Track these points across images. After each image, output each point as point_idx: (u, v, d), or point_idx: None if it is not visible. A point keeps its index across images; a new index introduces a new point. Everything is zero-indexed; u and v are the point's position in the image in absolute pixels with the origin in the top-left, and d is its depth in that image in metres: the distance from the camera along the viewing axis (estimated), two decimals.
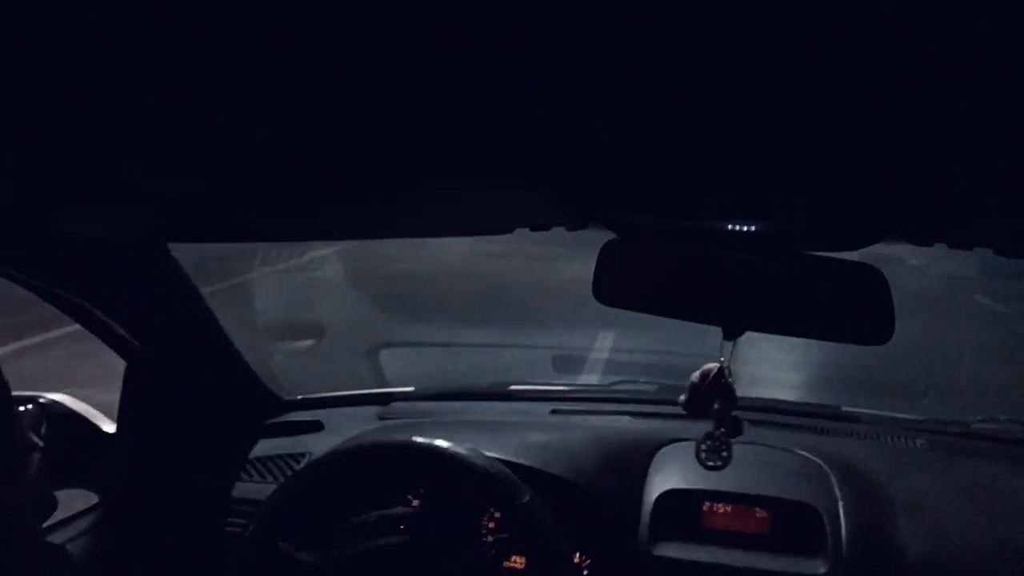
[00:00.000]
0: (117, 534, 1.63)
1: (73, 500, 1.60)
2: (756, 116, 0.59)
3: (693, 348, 1.50)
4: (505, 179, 0.94)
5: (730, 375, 1.45)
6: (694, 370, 1.46)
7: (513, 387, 2.07)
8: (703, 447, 1.53)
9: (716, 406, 1.44)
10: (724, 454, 1.49)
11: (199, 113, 0.57)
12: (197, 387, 1.69)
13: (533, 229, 1.35)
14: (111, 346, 1.56)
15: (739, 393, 1.56)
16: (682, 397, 1.48)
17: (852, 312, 1.16)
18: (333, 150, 0.73)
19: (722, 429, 1.48)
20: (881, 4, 0.39)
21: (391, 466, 1.56)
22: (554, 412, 1.89)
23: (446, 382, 2.80)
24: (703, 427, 1.46)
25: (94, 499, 1.64)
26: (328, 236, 1.48)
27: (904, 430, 1.79)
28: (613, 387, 2.07)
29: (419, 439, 1.50)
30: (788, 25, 0.42)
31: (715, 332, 1.35)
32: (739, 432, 1.47)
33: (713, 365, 1.46)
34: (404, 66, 0.48)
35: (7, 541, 0.83)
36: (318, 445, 1.77)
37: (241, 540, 1.42)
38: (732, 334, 1.30)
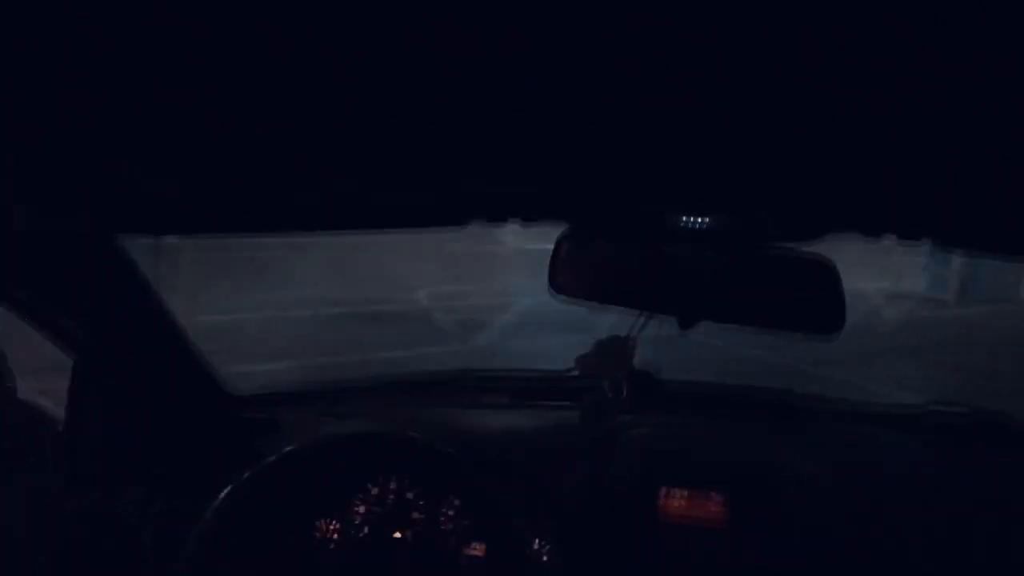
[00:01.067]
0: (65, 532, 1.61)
1: None
2: (710, 112, 0.61)
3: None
4: (462, 173, 0.94)
5: (634, 347, 1.47)
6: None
7: (472, 375, 2.08)
8: (586, 410, 1.56)
9: (609, 377, 1.47)
10: (603, 421, 1.52)
11: (161, 103, 0.56)
12: (149, 382, 1.66)
13: (489, 221, 1.36)
14: (60, 341, 1.53)
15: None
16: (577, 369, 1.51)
17: (804, 302, 1.19)
18: (296, 143, 0.73)
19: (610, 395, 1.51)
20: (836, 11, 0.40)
21: (348, 457, 1.56)
22: (513, 400, 1.90)
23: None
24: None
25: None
26: (285, 229, 1.47)
27: (859, 416, 1.83)
28: (571, 373, 2.09)
29: (377, 429, 1.50)
30: (746, 28, 0.43)
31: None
32: (621, 400, 1.50)
33: (619, 336, 1.48)
34: (374, 68, 0.49)
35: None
36: (272, 442, 1.75)
37: (189, 541, 1.41)
38: (686, 324, 1.32)
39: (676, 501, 1.50)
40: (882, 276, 12.70)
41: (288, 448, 1.48)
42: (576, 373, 2.04)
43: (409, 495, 1.57)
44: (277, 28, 0.42)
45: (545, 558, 1.54)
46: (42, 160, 0.76)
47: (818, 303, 1.17)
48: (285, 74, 0.51)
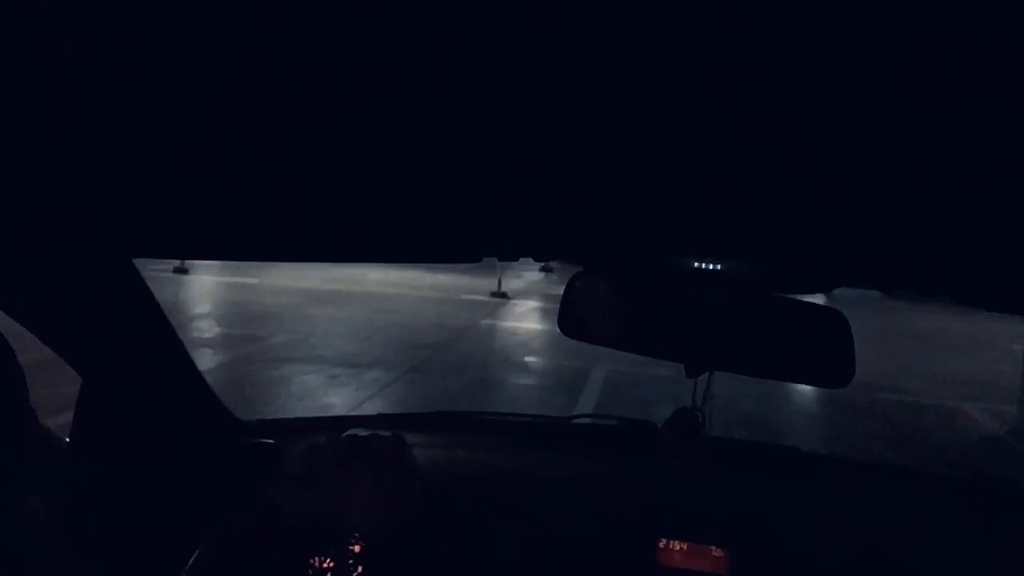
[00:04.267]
0: (68, 552, 1.59)
1: None
2: (726, 159, 0.60)
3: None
4: (475, 208, 0.94)
5: (701, 417, 1.46)
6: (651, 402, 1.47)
7: (474, 415, 2.06)
8: (670, 485, 1.54)
9: (686, 450, 1.46)
10: (690, 490, 1.50)
11: (176, 127, 0.57)
12: (155, 406, 1.66)
13: (501, 259, 1.36)
14: (67, 360, 1.53)
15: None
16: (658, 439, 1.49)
17: (813, 354, 1.17)
18: (312, 171, 0.73)
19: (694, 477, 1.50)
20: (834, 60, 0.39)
21: None
22: (515, 442, 1.88)
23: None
24: (661, 462, 1.46)
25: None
26: (300, 258, 1.47)
27: (859, 472, 1.80)
28: (574, 419, 2.07)
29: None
30: (763, 77, 0.42)
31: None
32: (703, 472, 1.48)
33: (686, 407, 1.47)
34: (382, 92, 0.49)
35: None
36: (274, 470, 1.74)
37: (188, 567, 1.40)
38: (693, 372, 1.30)
39: (675, 554, 1.46)
40: None
41: (284, 479, 1.47)
42: (582, 418, 2.02)
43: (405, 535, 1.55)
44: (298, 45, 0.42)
45: None
46: (57, 180, 0.76)
47: (827, 355, 1.16)
48: (310, 97, 0.51)
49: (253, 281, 14.04)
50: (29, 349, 1.28)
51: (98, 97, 0.49)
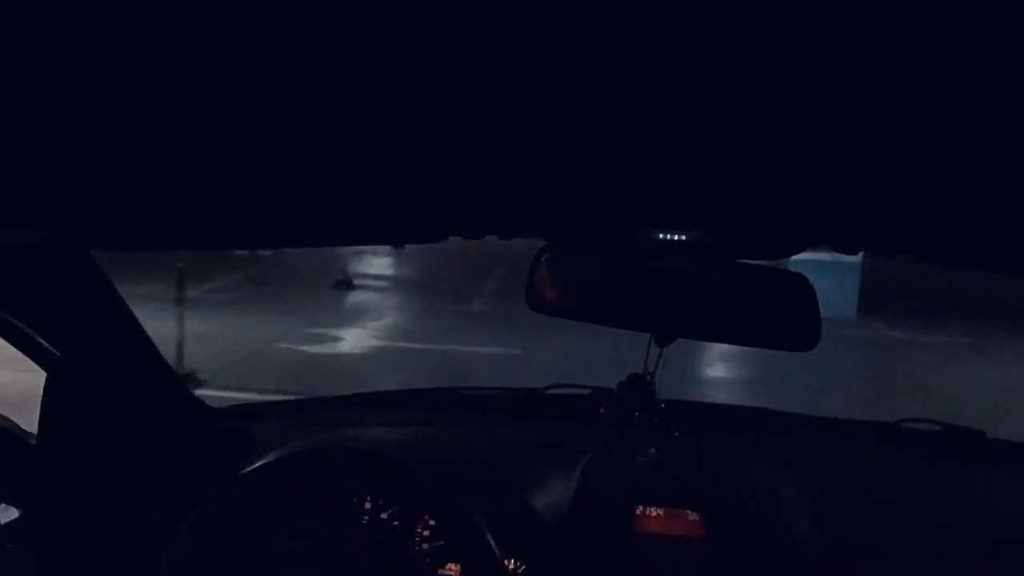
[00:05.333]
0: (39, 549, 1.58)
1: None
2: (686, 130, 0.60)
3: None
4: (438, 186, 0.94)
5: (655, 384, 1.47)
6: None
7: (448, 390, 2.07)
8: (636, 459, 1.55)
9: (637, 415, 1.47)
10: (651, 462, 1.52)
11: (129, 111, 0.56)
12: (122, 397, 1.65)
13: (465, 237, 1.35)
14: (30, 356, 1.51)
15: (671, 396, 1.58)
16: (602, 410, 1.50)
17: (780, 319, 1.19)
18: (268, 153, 0.72)
19: (649, 442, 1.51)
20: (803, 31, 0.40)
21: (322, 473, 1.55)
22: (489, 416, 1.89)
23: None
24: (635, 432, 1.47)
25: (15, 513, 1.59)
26: (262, 244, 1.46)
27: (831, 430, 1.83)
28: (549, 390, 2.08)
29: (352, 444, 1.48)
30: (720, 49, 0.42)
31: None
32: (667, 441, 1.49)
33: (637, 374, 1.48)
34: (351, 79, 0.49)
35: None
36: (248, 456, 1.74)
37: (166, 553, 1.40)
38: (663, 341, 1.32)
39: (652, 520, 1.48)
40: None
41: (261, 463, 1.47)
42: (555, 389, 2.03)
43: (383, 515, 1.56)
44: (254, 39, 0.41)
45: None
46: (14, 171, 0.75)
47: (793, 319, 1.18)
48: (263, 86, 0.50)
49: None
50: None
51: (47, 78, 0.48)
